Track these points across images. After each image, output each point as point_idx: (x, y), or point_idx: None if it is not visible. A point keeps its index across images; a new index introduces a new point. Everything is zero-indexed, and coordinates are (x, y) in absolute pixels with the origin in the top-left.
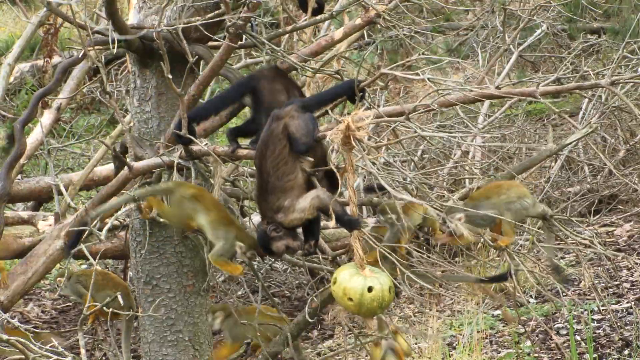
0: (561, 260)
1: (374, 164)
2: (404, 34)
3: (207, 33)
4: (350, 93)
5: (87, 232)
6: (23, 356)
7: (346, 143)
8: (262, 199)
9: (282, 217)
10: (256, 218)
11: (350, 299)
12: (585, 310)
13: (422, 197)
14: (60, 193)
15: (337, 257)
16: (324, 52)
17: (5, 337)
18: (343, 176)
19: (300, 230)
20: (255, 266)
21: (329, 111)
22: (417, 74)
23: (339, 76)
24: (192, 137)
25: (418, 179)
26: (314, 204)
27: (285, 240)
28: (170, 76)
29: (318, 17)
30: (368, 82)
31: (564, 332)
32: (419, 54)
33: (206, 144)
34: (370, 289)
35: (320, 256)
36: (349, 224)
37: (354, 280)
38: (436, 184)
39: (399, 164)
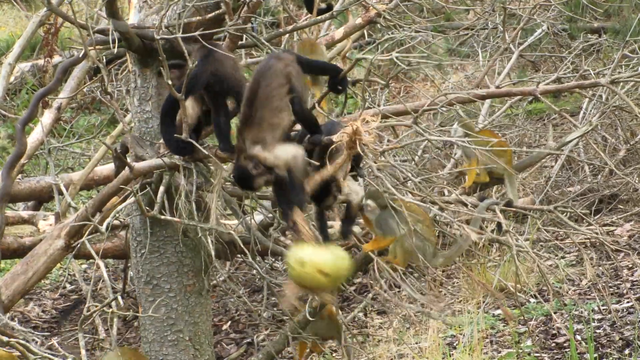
0: (562, 260)
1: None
2: (405, 34)
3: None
4: (335, 75)
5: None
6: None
7: (351, 147)
8: (245, 129)
9: (259, 150)
10: (258, 217)
11: (326, 274)
12: (585, 309)
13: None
14: (60, 193)
15: None
16: None
17: (5, 338)
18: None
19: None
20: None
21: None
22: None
23: None
24: (194, 142)
25: (420, 174)
26: (288, 161)
27: (265, 176)
28: (170, 82)
29: (318, 17)
30: (394, 74)
31: (564, 331)
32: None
33: (207, 145)
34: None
35: None
36: (296, 201)
37: (322, 254)
38: (437, 182)
39: (399, 163)
